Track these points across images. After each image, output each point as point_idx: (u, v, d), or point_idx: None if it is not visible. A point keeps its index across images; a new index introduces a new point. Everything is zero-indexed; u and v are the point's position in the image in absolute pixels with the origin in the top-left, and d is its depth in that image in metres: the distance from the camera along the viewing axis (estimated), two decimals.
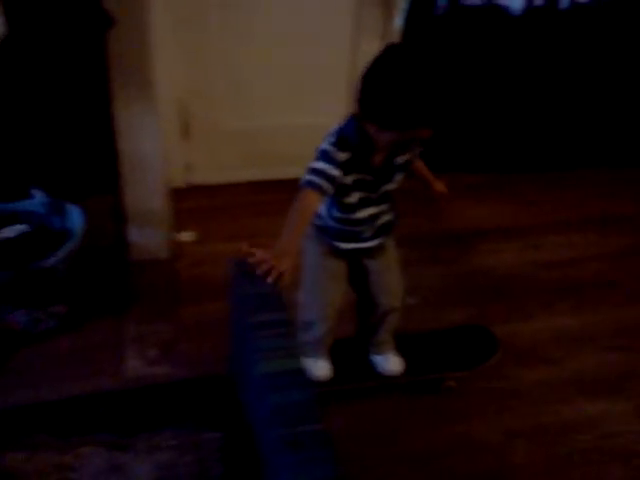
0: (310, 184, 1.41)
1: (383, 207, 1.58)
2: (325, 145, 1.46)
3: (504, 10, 2.68)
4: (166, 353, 2.00)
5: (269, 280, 1.22)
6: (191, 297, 2.21)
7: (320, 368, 1.79)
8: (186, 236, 2.54)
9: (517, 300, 2.28)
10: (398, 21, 2.68)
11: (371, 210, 1.56)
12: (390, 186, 1.55)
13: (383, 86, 1.33)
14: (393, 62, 1.35)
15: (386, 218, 1.62)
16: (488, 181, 3.03)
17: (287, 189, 2.95)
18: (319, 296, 1.69)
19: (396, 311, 1.78)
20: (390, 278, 1.73)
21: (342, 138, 1.45)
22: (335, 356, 1.81)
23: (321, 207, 1.57)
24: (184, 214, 2.70)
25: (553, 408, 1.86)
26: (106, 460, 1.04)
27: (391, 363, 1.83)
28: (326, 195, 1.44)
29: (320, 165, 1.42)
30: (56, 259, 1.91)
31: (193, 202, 2.80)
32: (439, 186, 1.73)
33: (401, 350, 1.85)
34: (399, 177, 1.55)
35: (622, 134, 3.16)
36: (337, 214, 1.56)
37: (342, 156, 1.42)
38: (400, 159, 1.52)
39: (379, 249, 1.67)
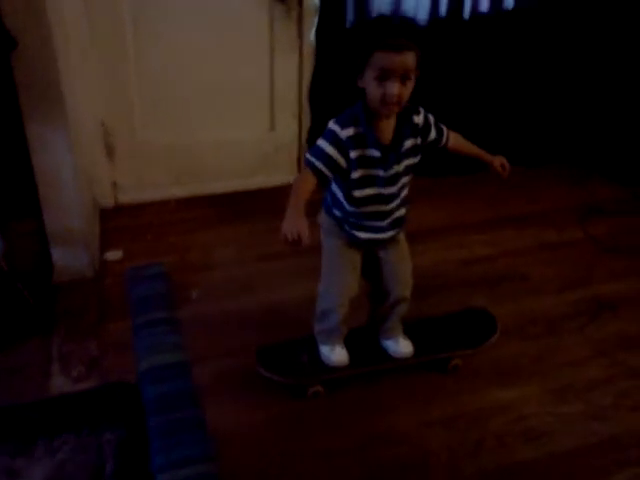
0: (310, 165, 1.57)
1: (396, 190, 1.67)
2: (332, 124, 1.59)
3: (411, 21, 2.80)
4: (91, 369, 1.99)
5: (291, 241, 1.44)
6: (116, 314, 2.21)
7: (338, 355, 1.89)
8: (112, 255, 2.55)
9: (439, 297, 2.34)
10: (311, 36, 2.77)
11: (384, 191, 1.65)
12: (399, 168, 1.64)
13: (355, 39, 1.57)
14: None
15: (401, 212, 1.74)
16: (417, 185, 3.11)
17: (216, 204, 3.06)
18: (338, 285, 1.80)
19: (407, 300, 1.89)
20: (402, 269, 1.85)
21: (346, 116, 1.58)
22: (349, 343, 1.91)
23: (340, 197, 1.68)
24: (112, 233, 2.72)
25: (469, 397, 1.91)
26: (5, 467, 1.05)
27: (402, 346, 1.94)
28: (324, 177, 1.57)
29: (320, 142, 1.58)
30: None
31: (121, 221, 2.82)
32: (495, 163, 1.78)
33: (409, 334, 1.97)
34: (409, 161, 1.67)
35: (536, 135, 3.32)
36: (357, 192, 1.64)
37: (345, 132, 1.55)
38: (411, 141, 1.64)
39: (393, 241, 1.79)
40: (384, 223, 1.72)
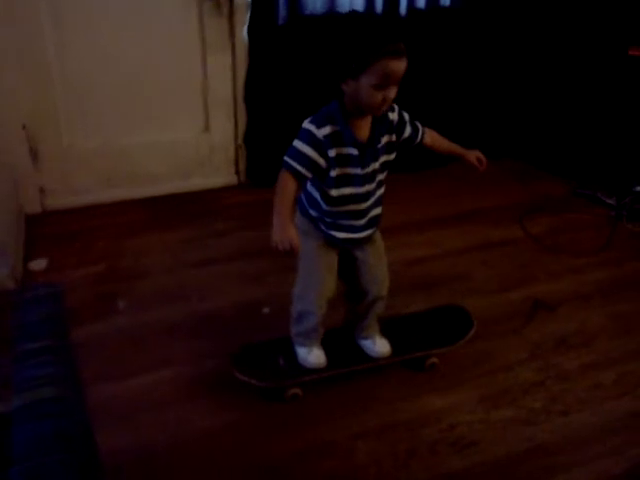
0: (289, 168, 1.55)
1: (372, 188, 1.67)
2: (305, 124, 1.56)
3: (346, 18, 2.74)
4: (6, 387, 1.89)
5: (283, 251, 1.49)
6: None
7: (316, 357, 1.86)
8: (36, 265, 2.43)
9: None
10: (243, 33, 2.69)
11: (361, 189, 1.64)
12: (376, 165, 1.64)
13: (343, 39, 1.50)
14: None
15: (376, 211, 1.74)
16: None
17: (149, 208, 2.96)
18: (316, 287, 1.77)
19: (384, 298, 1.88)
20: (379, 268, 1.84)
21: (321, 116, 1.56)
22: (326, 344, 1.89)
23: (316, 197, 1.66)
24: (38, 241, 2.60)
25: (403, 405, 1.86)
26: None
27: (379, 345, 1.92)
28: (304, 179, 1.58)
29: (297, 144, 1.55)
30: None
31: (48, 228, 2.70)
32: (470, 157, 1.80)
33: (385, 333, 1.95)
34: (385, 158, 1.66)
35: (482, 130, 3.30)
36: (334, 192, 1.62)
37: (322, 132, 1.53)
38: (386, 138, 1.63)
39: (369, 240, 1.78)
40: (361, 222, 1.71)
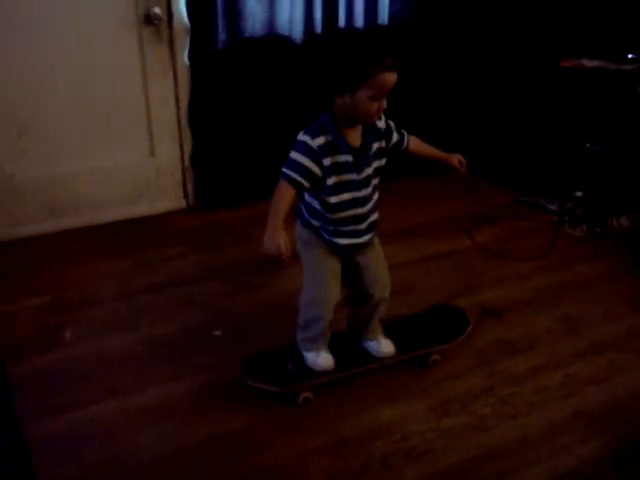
0: (287, 178, 1.62)
1: (369, 193, 1.74)
2: (300, 136, 1.64)
3: (286, 39, 2.78)
4: None
5: (272, 257, 1.57)
6: None
7: (325, 359, 1.92)
8: None
9: None
10: (184, 57, 2.70)
11: (359, 194, 1.72)
12: (370, 170, 1.72)
13: (340, 54, 1.59)
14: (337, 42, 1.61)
15: (375, 215, 1.81)
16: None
17: (96, 236, 2.92)
18: (323, 295, 1.83)
19: (387, 300, 1.95)
20: (380, 271, 1.92)
21: (314, 127, 1.63)
22: (332, 348, 1.95)
23: (316, 206, 1.73)
24: None
25: (352, 420, 1.87)
26: None
27: (384, 346, 2.00)
28: (302, 188, 1.64)
29: (294, 156, 1.62)
30: None
31: None
32: (453, 161, 1.91)
33: (387, 334, 2.02)
34: (377, 164, 1.74)
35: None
36: (333, 198, 1.69)
37: (317, 142, 1.61)
38: (377, 144, 1.72)
39: (369, 245, 1.86)
40: (362, 227, 1.79)
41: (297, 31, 2.77)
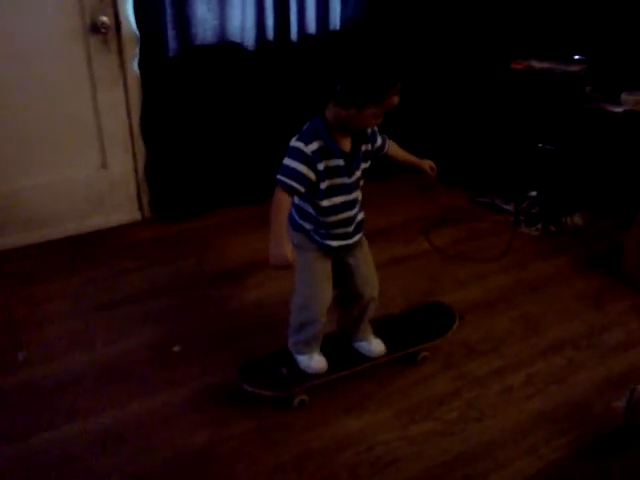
0: (284, 185, 1.65)
1: (358, 195, 1.80)
2: (293, 142, 1.67)
3: (238, 47, 2.74)
4: None
5: (280, 267, 1.64)
6: None
7: (318, 362, 1.96)
8: None
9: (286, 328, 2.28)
10: (134, 67, 2.64)
11: (350, 197, 1.77)
12: (359, 173, 1.78)
13: (360, 73, 1.59)
14: (361, 53, 1.64)
15: (360, 216, 1.86)
16: (256, 213, 3.07)
17: (48, 253, 2.83)
18: (317, 297, 1.86)
19: (375, 300, 1.98)
20: (369, 271, 1.95)
21: (308, 133, 1.67)
22: (323, 350, 1.98)
23: (309, 210, 1.76)
24: None
25: (317, 433, 1.85)
26: None
27: (375, 345, 2.03)
28: (297, 193, 1.67)
29: (289, 162, 1.65)
30: None
31: None
32: (424, 166, 1.98)
33: (376, 334, 2.06)
34: (364, 166, 1.80)
35: None
36: (325, 202, 1.73)
37: (310, 148, 1.64)
38: (364, 147, 1.77)
39: (358, 245, 1.90)
40: (351, 229, 1.83)
41: (249, 38, 2.73)
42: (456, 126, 3.37)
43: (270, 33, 2.78)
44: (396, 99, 1.63)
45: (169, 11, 2.54)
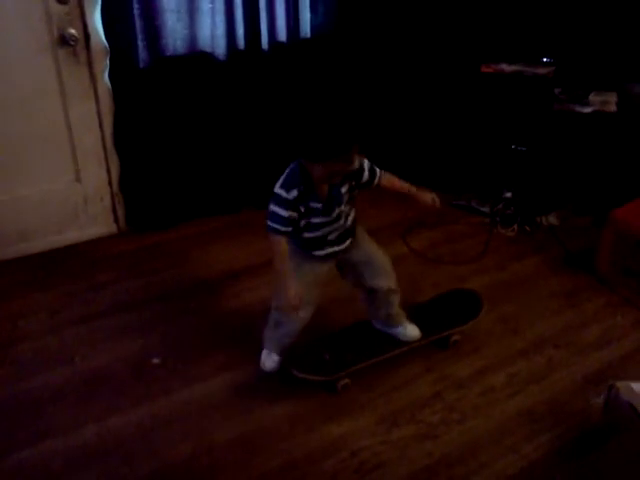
0: (273, 231, 1.77)
1: (342, 222, 1.87)
2: (277, 189, 1.75)
3: (209, 56, 2.74)
4: None
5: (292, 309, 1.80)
6: None
7: (272, 361, 2.04)
8: None
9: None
10: (105, 78, 2.62)
11: (333, 227, 1.86)
12: (342, 207, 1.84)
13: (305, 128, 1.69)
14: (318, 113, 1.70)
15: (349, 222, 1.90)
16: (233, 222, 3.06)
17: (22, 268, 2.78)
18: (293, 300, 1.85)
19: (393, 290, 2.03)
20: (376, 263, 1.99)
21: (288, 180, 1.75)
22: (359, 336, 2.12)
23: (293, 235, 1.83)
24: None
25: (299, 440, 1.84)
26: None
27: (410, 330, 2.11)
28: (287, 234, 1.77)
29: (275, 209, 1.75)
30: None
31: None
32: (425, 198, 2.00)
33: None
34: (347, 198, 1.85)
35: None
36: (307, 234, 1.85)
37: (291, 194, 1.73)
38: (343, 189, 1.81)
39: (353, 245, 1.95)
40: (337, 240, 1.90)
41: (220, 47, 2.73)
42: (429, 131, 3.39)
43: (241, 42, 2.78)
44: (345, 165, 1.69)
45: (138, 22, 2.52)
